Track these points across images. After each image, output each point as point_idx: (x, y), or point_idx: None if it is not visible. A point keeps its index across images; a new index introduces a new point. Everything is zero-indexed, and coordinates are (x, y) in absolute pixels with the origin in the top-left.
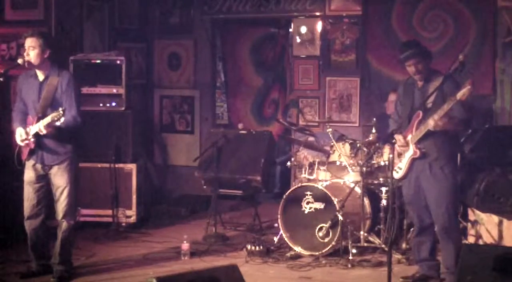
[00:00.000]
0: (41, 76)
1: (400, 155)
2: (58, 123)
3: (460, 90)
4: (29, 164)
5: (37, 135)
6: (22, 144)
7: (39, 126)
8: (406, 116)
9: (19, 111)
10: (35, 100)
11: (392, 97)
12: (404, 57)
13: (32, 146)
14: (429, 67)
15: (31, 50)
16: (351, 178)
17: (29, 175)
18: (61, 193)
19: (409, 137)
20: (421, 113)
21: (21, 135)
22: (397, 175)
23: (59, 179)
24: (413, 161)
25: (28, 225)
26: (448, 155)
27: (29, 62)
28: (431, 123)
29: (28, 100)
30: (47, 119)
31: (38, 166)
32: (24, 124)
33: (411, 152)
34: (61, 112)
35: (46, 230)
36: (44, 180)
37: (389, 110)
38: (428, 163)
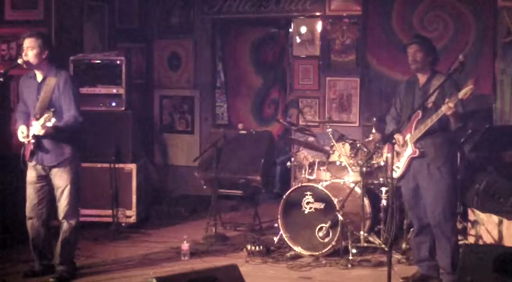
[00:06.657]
0: (39, 77)
1: (398, 154)
2: (49, 124)
3: (463, 89)
4: (30, 164)
5: (36, 136)
6: (23, 140)
7: (36, 128)
8: (407, 116)
9: (21, 112)
10: (34, 102)
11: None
12: (409, 42)
13: (31, 147)
14: (431, 66)
15: (30, 50)
16: (351, 178)
17: (30, 175)
18: (61, 193)
19: (408, 136)
20: (420, 113)
21: (23, 132)
22: (395, 174)
23: (59, 179)
24: (411, 160)
25: (30, 225)
26: (446, 155)
27: (27, 63)
28: (428, 123)
29: (28, 102)
30: (41, 121)
31: (39, 166)
32: (28, 123)
33: (409, 151)
34: (51, 113)
35: (48, 230)
36: (45, 180)
37: None
38: (426, 162)
